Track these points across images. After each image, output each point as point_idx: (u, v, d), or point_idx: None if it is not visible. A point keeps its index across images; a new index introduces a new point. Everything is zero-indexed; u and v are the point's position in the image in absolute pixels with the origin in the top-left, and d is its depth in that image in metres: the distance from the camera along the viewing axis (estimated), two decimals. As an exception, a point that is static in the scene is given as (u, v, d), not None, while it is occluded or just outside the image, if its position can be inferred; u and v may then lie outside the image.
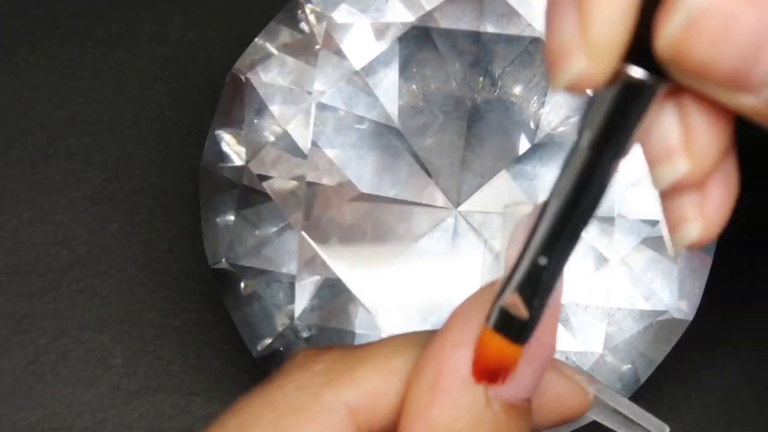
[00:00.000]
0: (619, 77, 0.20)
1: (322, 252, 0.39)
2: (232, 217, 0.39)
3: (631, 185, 0.38)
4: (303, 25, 0.39)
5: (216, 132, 0.39)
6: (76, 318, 0.43)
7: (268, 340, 0.39)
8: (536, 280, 0.22)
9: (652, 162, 0.23)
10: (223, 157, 0.39)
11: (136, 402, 0.42)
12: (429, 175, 0.39)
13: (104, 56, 0.45)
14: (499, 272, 0.23)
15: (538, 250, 0.22)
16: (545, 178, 0.39)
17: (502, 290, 0.23)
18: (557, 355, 0.38)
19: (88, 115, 0.44)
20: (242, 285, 0.39)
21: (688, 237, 0.23)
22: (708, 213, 0.23)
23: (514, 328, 0.23)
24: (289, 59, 0.39)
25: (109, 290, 0.43)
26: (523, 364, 0.23)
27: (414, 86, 0.39)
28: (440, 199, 0.39)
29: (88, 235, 0.43)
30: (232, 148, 0.39)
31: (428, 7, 0.39)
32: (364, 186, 0.39)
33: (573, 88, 0.20)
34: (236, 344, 0.42)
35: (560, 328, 0.38)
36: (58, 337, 0.42)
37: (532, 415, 0.24)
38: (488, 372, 0.23)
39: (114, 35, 0.45)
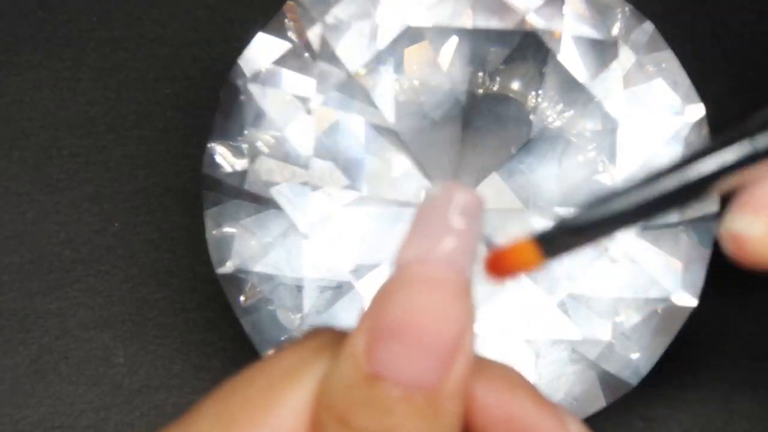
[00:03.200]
0: None
1: (327, 255, 0.39)
2: (236, 225, 0.39)
3: (632, 176, 0.39)
4: (291, 34, 0.39)
5: (215, 144, 0.39)
6: (78, 317, 0.43)
7: (278, 344, 0.39)
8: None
9: (740, 204, 0.23)
10: (223, 166, 0.39)
11: (137, 401, 0.42)
12: (427, 174, 0.39)
13: (106, 57, 0.45)
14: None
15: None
16: (542, 172, 0.39)
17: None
18: (564, 345, 0.39)
19: (90, 116, 0.44)
20: (249, 290, 0.39)
21: (742, 228, 0.24)
22: None
23: (547, 244, 0.24)
24: (283, 67, 0.39)
25: (111, 290, 0.43)
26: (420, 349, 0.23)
27: (409, 87, 0.40)
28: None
29: (90, 234, 0.43)
30: (232, 157, 0.39)
31: (420, 7, 0.39)
32: (364, 189, 0.39)
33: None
34: (237, 343, 0.42)
35: (565, 319, 0.39)
36: (61, 336, 0.43)
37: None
38: (502, 264, 0.24)
39: (116, 36, 0.45)
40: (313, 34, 0.39)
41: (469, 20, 0.39)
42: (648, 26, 0.39)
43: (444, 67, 0.39)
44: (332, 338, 0.25)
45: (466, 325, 0.23)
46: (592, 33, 0.39)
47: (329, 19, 0.39)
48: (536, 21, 0.39)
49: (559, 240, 0.24)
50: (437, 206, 0.24)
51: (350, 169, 0.39)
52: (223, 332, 0.42)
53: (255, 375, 0.24)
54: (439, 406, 0.23)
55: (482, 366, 0.25)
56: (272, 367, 0.24)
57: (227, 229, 0.39)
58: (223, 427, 0.23)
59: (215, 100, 0.40)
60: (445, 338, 0.23)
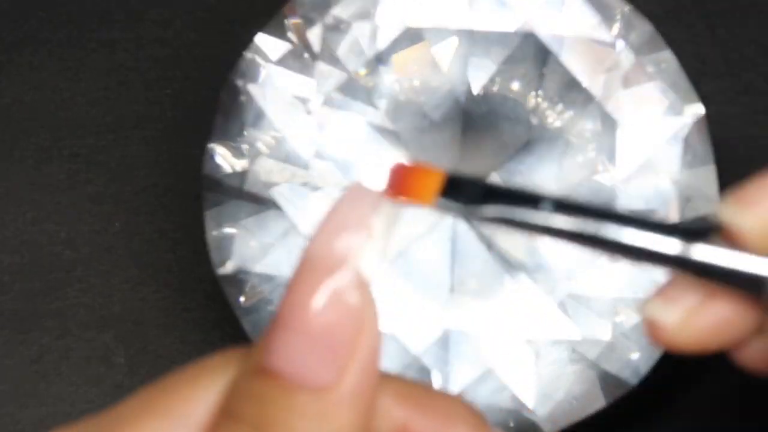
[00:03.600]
0: None
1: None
2: (236, 226, 0.39)
3: (629, 178, 0.39)
4: (291, 34, 0.39)
5: (215, 144, 0.39)
6: (79, 317, 0.43)
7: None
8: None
9: (657, 292, 0.24)
10: (224, 167, 0.39)
11: (138, 400, 0.42)
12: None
13: (107, 58, 0.45)
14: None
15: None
16: (542, 173, 0.39)
17: None
18: (564, 345, 0.39)
19: (91, 116, 0.44)
20: (249, 290, 0.39)
21: (657, 315, 0.24)
22: (694, 320, 0.24)
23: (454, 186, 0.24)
24: (283, 68, 0.39)
25: (112, 290, 0.43)
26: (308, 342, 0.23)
27: (410, 88, 0.40)
28: (439, 198, 0.39)
29: (91, 235, 0.44)
30: (232, 158, 0.39)
31: (420, 8, 0.39)
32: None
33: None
34: (237, 343, 0.42)
35: (565, 319, 0.39)
36: (62, 336, 0.43)
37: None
38: (403, 179, 0.24)
39: (116, 37, 0.45)
40: (313, 34, 0.39)
41: (468, 21, 0.39)
42: (648, 26, 0.39)
43: (444, 67, 0.40)
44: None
45: (361, 325, 0.23)
46: (592, 33, 0.39)
47: (329, 19, 0.39)
48: (536, 21, 0.39)
49: (467, 190, 0.24)
50: (341, 205, 0.24)
51: (350, 170, 0.39)
52: (223, 332, 0.42)
53: (183, 369, 0.25)
54: (328, 410, 0.22)
55: (424, 396, 0.25)
56: (201, 364, 0.25)
57: (227, 230, 0.39)
58: (141, 412, 0.24)
59: (215, 101, 0.40)
60: (337, 335, 0.22)
